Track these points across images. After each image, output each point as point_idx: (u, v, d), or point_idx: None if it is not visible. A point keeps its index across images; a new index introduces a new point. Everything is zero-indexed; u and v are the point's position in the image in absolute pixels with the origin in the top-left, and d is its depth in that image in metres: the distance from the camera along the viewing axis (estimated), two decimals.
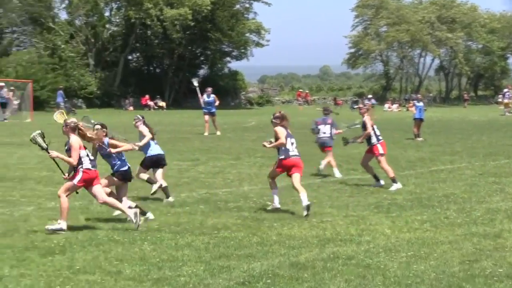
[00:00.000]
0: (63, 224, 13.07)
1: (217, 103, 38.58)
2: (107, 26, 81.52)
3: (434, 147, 30.97)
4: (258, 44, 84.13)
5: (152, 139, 17.00)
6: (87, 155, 13.60)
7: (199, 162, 24.81)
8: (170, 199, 16.43)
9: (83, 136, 13.76)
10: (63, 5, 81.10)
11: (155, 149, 16.96)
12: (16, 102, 53.89)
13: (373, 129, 19.39)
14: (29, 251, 11.62)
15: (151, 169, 17.20)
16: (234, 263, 10.91)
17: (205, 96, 38.26)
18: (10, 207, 15.54)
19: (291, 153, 15.68)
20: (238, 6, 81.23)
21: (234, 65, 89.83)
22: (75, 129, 13.60)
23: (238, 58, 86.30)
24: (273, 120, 16.04)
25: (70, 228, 13.28)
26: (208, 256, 11.38)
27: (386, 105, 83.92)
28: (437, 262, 11.08)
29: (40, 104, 60.92)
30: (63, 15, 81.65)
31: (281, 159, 15.71)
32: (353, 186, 19.29)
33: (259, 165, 23.79)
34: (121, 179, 14.91)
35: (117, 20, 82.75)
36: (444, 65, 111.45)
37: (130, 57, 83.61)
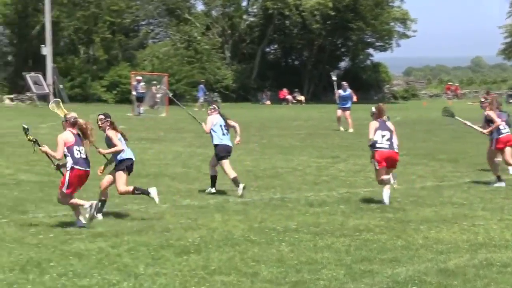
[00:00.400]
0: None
1: (354, 98, 38.33)
2: (244, 17, 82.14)
3: None
4: (403, 35, 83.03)
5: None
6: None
7: (339, 159, 24.71)
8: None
9: (84, 133, 13.85)
10: None
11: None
12: (158, 96, 54.61)
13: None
14: (164, 249, 11.82)
15: None
16: (377, 268, 10.80)
17: (340, 90, 38.08)
18: (146, 204, 15.82)
19: (378, 145, 16.09)
20: None
21: (377, 56, 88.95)
22: (74, 124, 13.78)
23: (381, 49, 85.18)
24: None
25: (206, 226, 13.46)
26: (349, 259, 11.30)
27: None
28: None
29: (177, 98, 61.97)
30: (200, 6, 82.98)
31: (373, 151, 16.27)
32: (508, 187, 18.76)
33: (405, 163, 23.39)
34: (126, 168, 14.91)
35: (255, 11, 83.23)
36: None
37: (267, 49, 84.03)
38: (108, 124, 14.66)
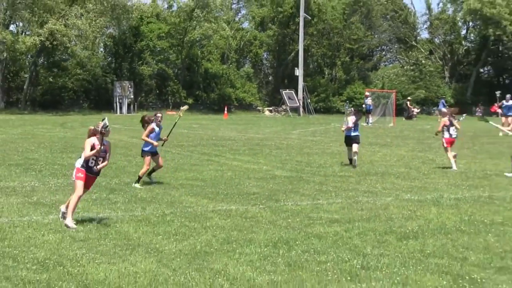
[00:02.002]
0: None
1: None
2: (463, 43, 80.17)
3: None
4: None
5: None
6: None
7: None
8: None
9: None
10: (425, 26, 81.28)
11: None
12: (378, 109, 54.47)
13: None
14: (387, 234, 11.75)
15: None
16: None
17: (503, 101, 38.21)
18: (373, 197, 15.82)
19: None
20: None
21: None
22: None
23: None
24: None
25: (424, 217, 13.26)
26: None
27: None
28: None
29: (400, 111, 61.42)
30: (424, 34, 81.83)
31: None
32: None
33: None
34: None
35: (472, 37, 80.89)
36: None
37: (481, 70, 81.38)
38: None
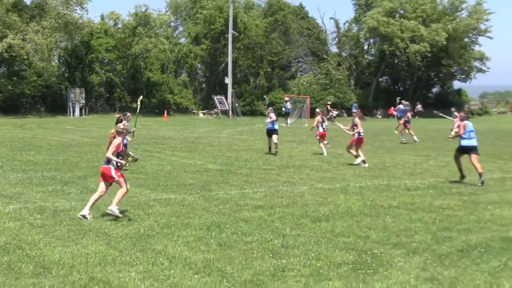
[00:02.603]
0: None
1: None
2: (365, 56, 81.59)
3: None
4: (480, 70, 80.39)
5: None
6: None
7: (430, 157, 24.12)
8: None
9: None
10: (334, 42, 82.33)
11: None
12: (295, 112, 54.91)
13: None
14: (303, 218, 11.87)
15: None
16: (455, 235, 10.54)
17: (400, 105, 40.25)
18: (292, 186, 15.95)
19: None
20: (466, 39, 77.97)
21: (459, 84, 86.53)
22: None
23: (463, 80, 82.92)
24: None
25: (333, 203, 13.44)
26: (434, 228, 11.08)
27: None
28: None
29: (314, 114, 62.08)
30: (333, 49, 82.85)
31: None
32: None
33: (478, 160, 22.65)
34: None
35: (373, 52, 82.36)
36: None
37: (380, 79, 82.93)
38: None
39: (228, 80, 62.92)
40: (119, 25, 66.57)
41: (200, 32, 70.35)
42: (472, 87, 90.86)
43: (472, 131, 17.42)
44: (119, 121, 17.80)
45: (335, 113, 62.26)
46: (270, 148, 24.57)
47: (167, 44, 66.82)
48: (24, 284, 7.74)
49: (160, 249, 9.40)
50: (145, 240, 10.00)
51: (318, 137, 24.75)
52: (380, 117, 70.79)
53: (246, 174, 18.22)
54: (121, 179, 11.95)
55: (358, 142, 21.41)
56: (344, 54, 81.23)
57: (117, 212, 11.68)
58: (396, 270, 8.48)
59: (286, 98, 53.72)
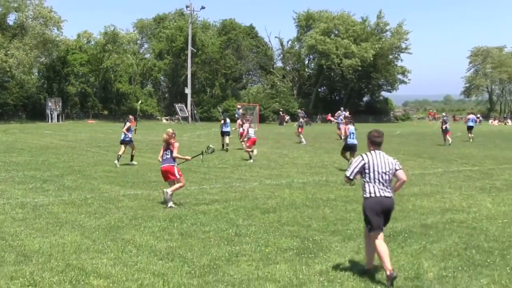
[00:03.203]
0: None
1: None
2: (306, 70, 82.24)
3: None
4: (402, 82, 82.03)
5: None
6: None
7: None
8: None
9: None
10: (279, 58, 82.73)
11: None
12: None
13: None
14: (254, 210, 11.84)
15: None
16: None
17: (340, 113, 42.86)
18: (244, 183, 15.91)
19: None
20: (390, 56, 79.51)
21: (386, 94, 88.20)
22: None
23: (389, 90, 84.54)
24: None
25: (280, 196, 13.45)
26: None
27: (490, 121, 79.66)
28: None
29: (263, 119, 62.46)
30: (279, 64, 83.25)
31: None
32: (465, 175, 18.27)
33: (402, 159, 22.95)
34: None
35: (312, 66, 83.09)
36: None
37: (319, 90, 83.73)
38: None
39: (188, 90, 62.69)
40: (92, 43, 65.86)
41: (163, 49, 69.92)
42: (397, 96, 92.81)
43: (353, 133, 19.34)
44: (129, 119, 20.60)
45: (286, 118, 62.91)
46: (223, 145, 26.84)
47: (134, 59, 66.50)
48: (7, 271, 7.52)
49: (129, 239, 9.25)
50: (116, 230, 9.83)
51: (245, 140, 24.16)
52: (319, 122, 71.34)
53: (204, 172, 18.12)
54: (181, 178, 12.27)
55: (250, 142, 22.69)
56: (288, 68, 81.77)
57: (169, 198, 11.86)
58: (334, 254, 8.52)
59: (239, 106, 53.76)
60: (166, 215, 11.09)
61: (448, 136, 32.17)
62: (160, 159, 12.46)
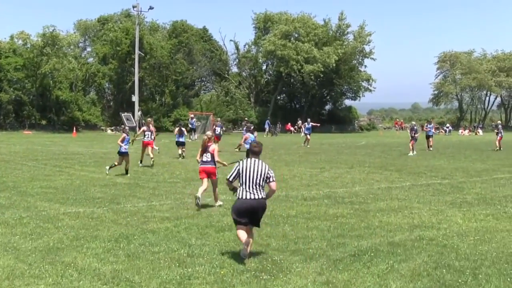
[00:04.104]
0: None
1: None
2: (264, 76, 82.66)
3: (496, 161, 29.67)
4: (367, 89, 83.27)
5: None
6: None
7: (324, 169, 24.60)
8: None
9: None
10: (235, 63, 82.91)
11: None
12: (199, 128, 55.22)
13: None
14: (208, 228, 11.79)
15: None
16: (348, 241, 10.73)
17: (305, 123, 44.18)
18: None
19: None
20: (354, 61, 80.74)
21: (349, 102, 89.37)
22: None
23: (353, 98, 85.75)
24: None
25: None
26: (329, 235, 11.23)
27: (460, 131, 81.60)
28: (497, 244, 10.59)
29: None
30: (234, 69, 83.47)
31: None
32: (435, 188, 18.62)
33: (367, 172, 23.41)
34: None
35: (270, 72, 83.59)
36: (504, 101, 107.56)
37: (278, 97, 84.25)
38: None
39: (135, 98, 62.14)
40: (28, 45, 64.57)
41: (107, 53, 69.31)
42: (361, 104, 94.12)
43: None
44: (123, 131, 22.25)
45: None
46: (180, 154, 28.93)
47: (75, 64, 65.49)
48: None
49: (70, 261, 9.07)
50: (55, 253, 9.62)
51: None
52: (278, 132, 71.81)
53: (153, 187, 17.96)
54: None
55: (144, 145, 25.55)
56: (244, 74, 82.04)
57: (216, 196, 14.65)
58: (295, 275, 8.53)
59: (192, 115, 53.78)
60: (112, 235, 10.93)
61: (411, 145, 33.34)
62: (199, 159, 14.80)
